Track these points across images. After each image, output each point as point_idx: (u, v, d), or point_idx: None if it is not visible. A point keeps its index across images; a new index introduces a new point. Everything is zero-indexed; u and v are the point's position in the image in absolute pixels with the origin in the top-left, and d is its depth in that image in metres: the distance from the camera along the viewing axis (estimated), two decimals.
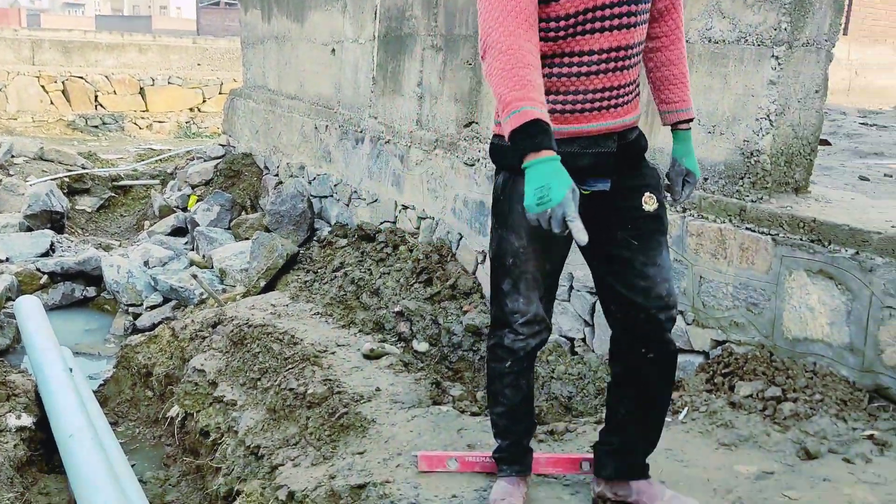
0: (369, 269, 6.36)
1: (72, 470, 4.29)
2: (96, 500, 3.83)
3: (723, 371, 3.77)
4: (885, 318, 3.32)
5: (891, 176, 6.57)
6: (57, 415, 4.83)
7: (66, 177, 11.51)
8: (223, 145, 11.77)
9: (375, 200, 7.46)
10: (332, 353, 4.64)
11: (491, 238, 2.64)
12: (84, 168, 12.37)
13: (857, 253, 3.40)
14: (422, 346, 5.33)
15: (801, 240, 3.62)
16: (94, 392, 6.06)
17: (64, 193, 11.02)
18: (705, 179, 4.16)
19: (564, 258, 2.65)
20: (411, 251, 6.29)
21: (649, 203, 2.49)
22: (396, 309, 5.84)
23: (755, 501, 2.61)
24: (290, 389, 4.22)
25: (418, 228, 6.69)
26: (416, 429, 3.60)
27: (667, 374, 2.59)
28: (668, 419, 3.55)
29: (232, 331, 5.32)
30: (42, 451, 5.06)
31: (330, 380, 4.17)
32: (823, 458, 2.91)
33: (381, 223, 7.26)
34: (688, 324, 4.26)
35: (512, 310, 2.56)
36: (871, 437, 3.04)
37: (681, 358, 4.32)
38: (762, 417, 3.30)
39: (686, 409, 3.57)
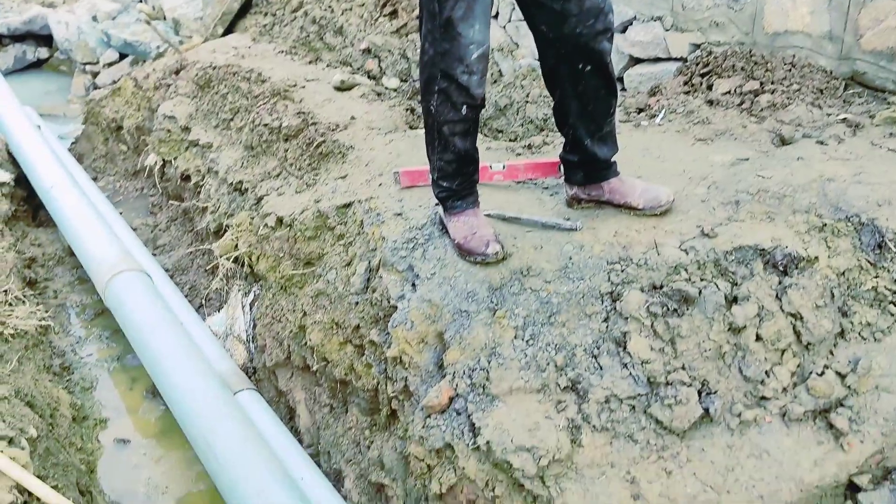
0: (330, 7, 6.01)
1: (59, 219, 4.34)
2: (90, 243, 3.91)
3: (701, 72, 3.73)
4: (866, 2, 3.22)
5: None
6: (34, 171, 4.80)
7: None
8: None
9: None
10: (303, 87, 4.52)
11: None
12: None
13: None
14: (392, 81, 5.19)
15: None
16: (68, 150, 5.99)
17: None
18: None
19: None
20: None
21: None
22: (363, 46, 5.61)
23: (730, 184, 2.70)
24: (265, 125, 4.16)
25: None
26: (395, 150, 3.61)
27: (607, 79, 2.49)
28: (644, 123, 3.58)
29: (197, 75, 5.13)
30: (26, 207, 5.10)
31: (303, 112, 4.10)
32: (798, 143, 2.97)
33: None
34: (666, 30, 4.13)
35: (469, 40, 2.27)
36: (844, 120, 3.08)
37: (658, 66, 4.26)
38: (739, 111, 3.31)
39: (663, 111, 3.57)
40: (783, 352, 2.27)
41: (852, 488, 2.19)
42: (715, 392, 2.25)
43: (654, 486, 2.15)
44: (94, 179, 5.71)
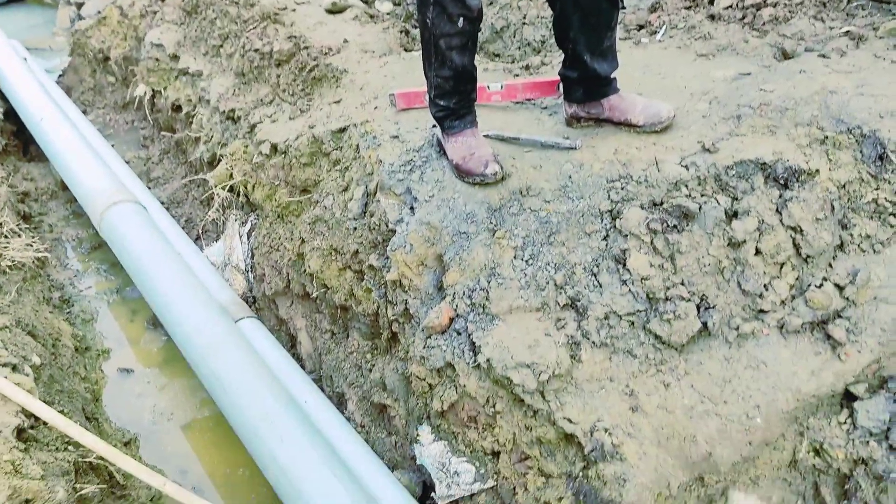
0: None
1: (50, 152, 4.28)
2: (83, 175, 3.87)
3: None
4: None
5: None
6: (23, 103, 4.71)
7: None
8: None
9: None
10: (293, 10, 4.39)
11: None
12: None
13: None
14: (385, 5, 5.05)
15: None
16: (56, 84, 5.87)
17: None
18: None
19: None
20: None
21: None
22: None
23: (731, 98, 2.65)
24: (256, 50, 4.06)
25: None
26: (390, 73, 3.53)
27: None
28: (645, 40, 3.50)
29: (183, 0, 4.98)
30: (16, 141, 5.03)
31: (295, 36, 3.99)
32: (800, 57, 2.90)
33: None
34: None
35: None
36: (847, 33, 3.01)
37: None
38: (741, 25, 3.23)
39: (664, 27, 3.48)
40: (782, 265, 2.27)
41: (849, 397, 2.22)
42: (713, 306, 2.26)
43: (653, 398, 2.18)
44: (84, 113, 5.61)
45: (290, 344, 3.48)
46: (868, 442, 2.15)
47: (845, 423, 2.19)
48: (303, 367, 3.30)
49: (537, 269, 2.37)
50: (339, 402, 3.08)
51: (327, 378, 3.17)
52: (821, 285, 2.24)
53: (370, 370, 2.89)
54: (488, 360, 2.24)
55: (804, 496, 2.28)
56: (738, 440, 2.14)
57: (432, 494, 2.49)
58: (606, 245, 2.38)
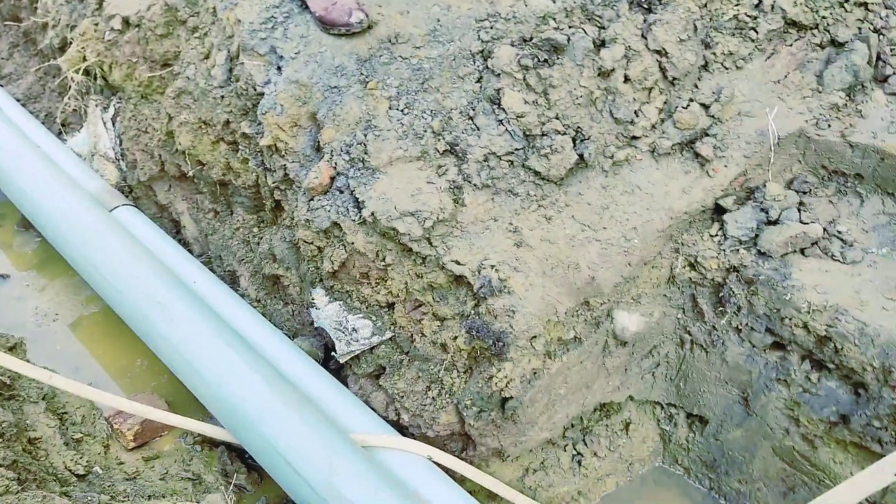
0: None
1: None
2: None
3: None
4: None
5: None
6: None
7: None
8: None
9: None
10: None
11: None
12: None
13: None
14: None
15: None
16: None
17: None
18: None
19: None
20: None
21: None
22: None
23: None
24: None
25: None
26: None
27: None
28: None
29: None
30: None
31: None
32: None
33: None
34: None
35: None
36: None
37: None
38: None
39: None
40: (650, 90, 2.31)
41: (718, 211, 2.33)
42: (588, 137, 2.28)
43: (536, 232, 2.23)
44: None
45: (175, 230, 3.35)
46: (738, 250, 2.28)
47: (716, 235, 2.31)
48: (190, 251, 3.19)
49: (413, 117, 2.33)
50: (232, 281, 3.02)
51: (216, 258, 3.09)
52: (687, 106, 2.30)
53: (258, 243, 2.83)
54: (373, 214, 2.21)
55: (683, 308, 2.43)
56: (618, 262, 2.23)
57: (333, 353, 2.51)
58: (480, 87, 2.34)
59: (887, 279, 2.14)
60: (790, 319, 2.17)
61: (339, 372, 2.59)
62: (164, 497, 2.25)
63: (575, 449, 2.57)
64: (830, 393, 2.19)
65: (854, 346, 2.05)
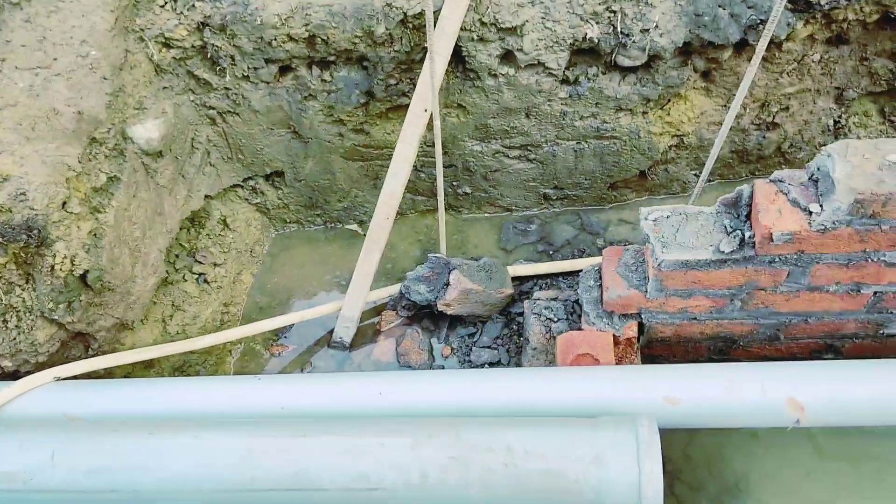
0: None
1: None
2: None
3: None
4: None
5: None
6: None
7: None
8: None
9: None
10: None
11: None
12: None
13: None
14: None
15: None
16: None
17: None
18: None
19: None
20: None
21: None
22: None
23: None
24: None
25: None
26: None
27: None
28: None
29: None
30: None
31: None
32: None
33: None
34: None
35: None
36: None
37: None
38: None
39: None
40: None
41: None
42: None
43: None
44: None
45: None
46: (193, 5, 2.18)
47: (166, 3, 2.18)
48: None
49: None
50: None
51: None
52: None
53: None
54: None
55: (190, 89, 2.34)
56: (92, 84, 2.03)
57: None
58: None
59: None
60: (275, 39, 2.19)
61: None
62: None
63: (193, 272, 2.52)
64: (346, 80, 2.33)
65: (334, 29, 2.16)
